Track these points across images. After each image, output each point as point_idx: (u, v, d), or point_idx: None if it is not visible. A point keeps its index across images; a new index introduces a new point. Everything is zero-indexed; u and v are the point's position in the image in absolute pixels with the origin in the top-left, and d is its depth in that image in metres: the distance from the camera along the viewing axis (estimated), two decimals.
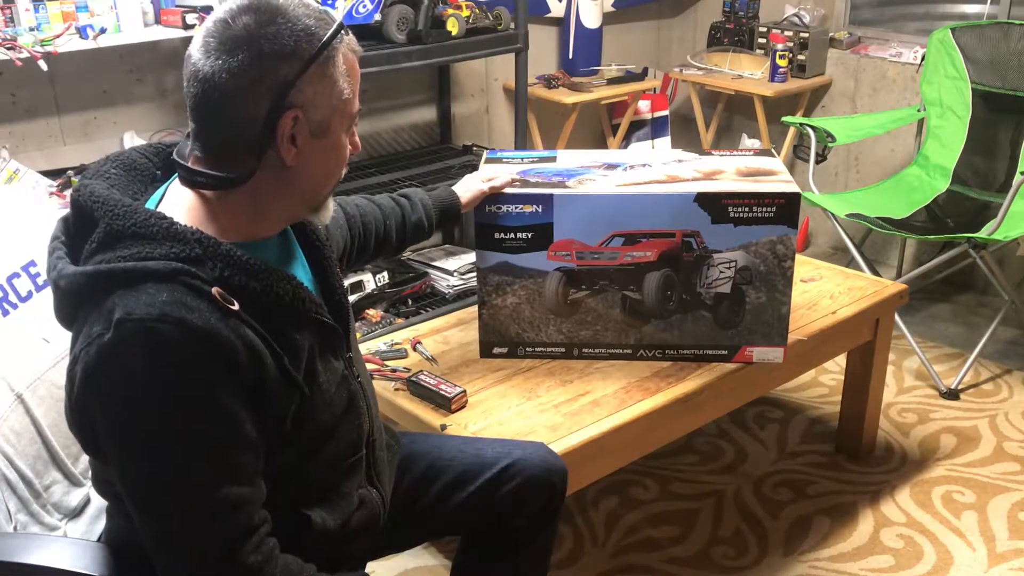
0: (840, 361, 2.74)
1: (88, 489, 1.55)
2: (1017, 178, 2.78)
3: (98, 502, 1.55)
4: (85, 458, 1.56)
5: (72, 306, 1.15)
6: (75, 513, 1.52)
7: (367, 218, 1.69)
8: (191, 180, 1.18)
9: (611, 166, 1.97)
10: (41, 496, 1.47)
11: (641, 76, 3.85)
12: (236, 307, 1.11)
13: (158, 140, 1.34)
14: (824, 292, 2.33)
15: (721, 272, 1.89)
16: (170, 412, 1.08)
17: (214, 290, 1.10)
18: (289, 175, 1.18)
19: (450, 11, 2.89)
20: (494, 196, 1.85)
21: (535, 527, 1.56)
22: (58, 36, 2.34)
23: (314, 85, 1.14)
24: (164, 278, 1.09)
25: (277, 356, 1.16)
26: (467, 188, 1.84)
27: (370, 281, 2.90)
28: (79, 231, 1.18)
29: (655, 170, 1.94)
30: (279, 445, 1.20)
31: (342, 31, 1.16)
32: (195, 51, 1.15)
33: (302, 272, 1.33)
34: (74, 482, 1.53)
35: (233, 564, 1.12)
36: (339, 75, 1.17)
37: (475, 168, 2.04)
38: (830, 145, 3.21)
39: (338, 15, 1.18)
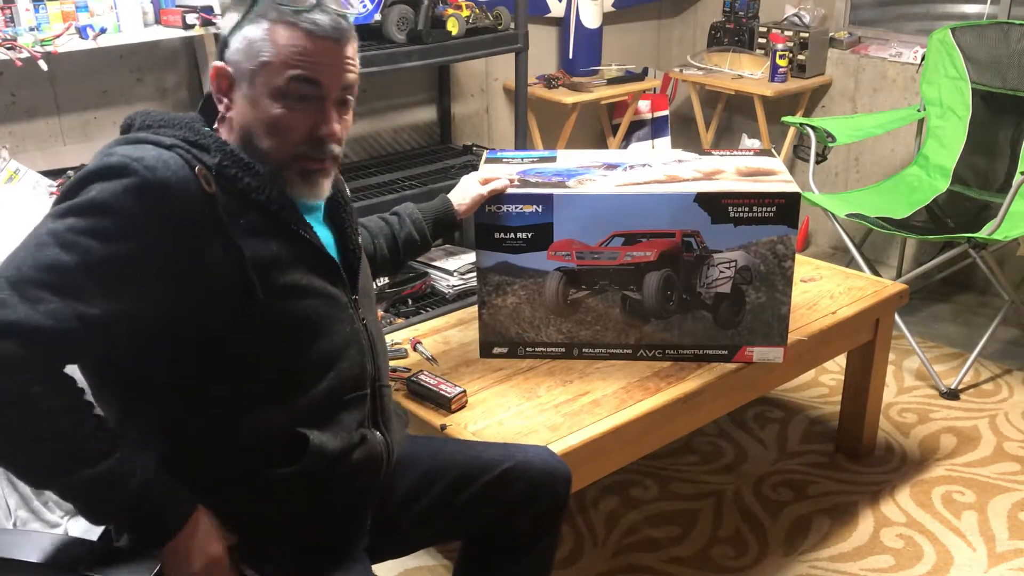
0: (840, 361, 2.75)
1: None
2: (1017, 178, 2.78)
3: None
4: None
5: None
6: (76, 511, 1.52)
7: None
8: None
9: (611, 166, 1.97)
10: (43, 493, 1.47)
11: (641, 76, 3.86)
12: (212, 190, 1.21)
13: None
14: (824, 292, 2.33)
15: (721, 272, 1.89)
16: (95, 206, 1.15)
17: (197, 168, 1.21)
18: (231, 127, 1.31)
19: (450, 11, 2.89)
20: (494, 196, 1.85)
21: (537, 532, 1.55)
22: (58, 36, 2.34)
23: (236, 43, 1.28)
24: (164, 147, 1.21)
25: (236, 250, 1.22)
26: (464, 195, 1.84)
27: None
28: None
29: (655, 170, 1.94)
30: (242, 345, 1.25)
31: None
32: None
33: (321, 228, 1.40)
34: None
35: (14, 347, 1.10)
36: (259, 37, 1.26)
37: (475, 168, 2.04)
38: (830, 145, 3.21)
39: None
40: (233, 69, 1.28)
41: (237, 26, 1.27)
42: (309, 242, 1.32)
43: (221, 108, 1.30)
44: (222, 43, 1.29)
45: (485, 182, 1.85)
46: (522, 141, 3.22)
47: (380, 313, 2.88)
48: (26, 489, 1.45)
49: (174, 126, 1.27)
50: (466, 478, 1.53)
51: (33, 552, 1.19)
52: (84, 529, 1.50)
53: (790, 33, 3.75)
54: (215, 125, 1.34)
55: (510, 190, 1.85)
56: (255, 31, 1.26)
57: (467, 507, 1.53)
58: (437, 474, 1.54)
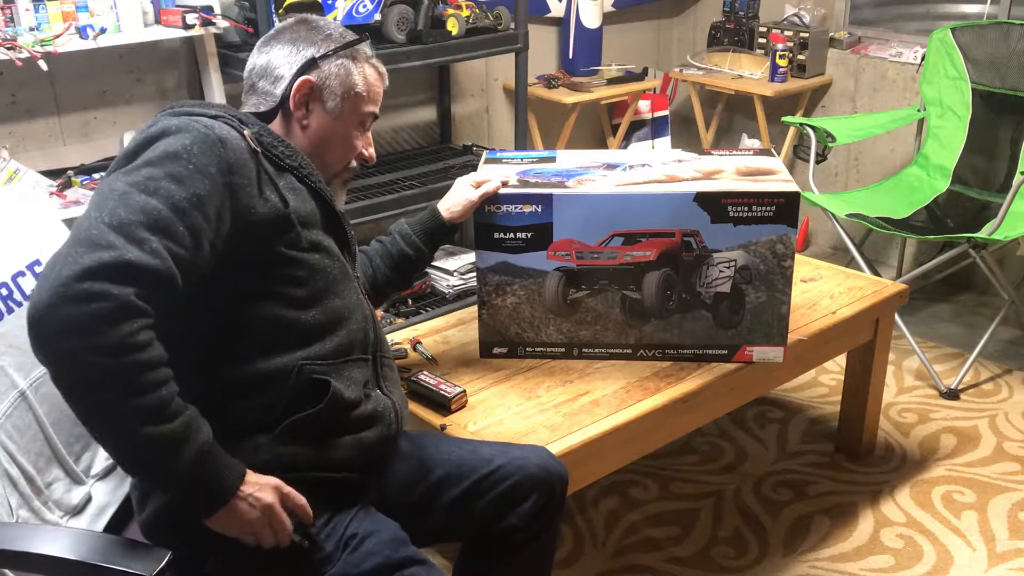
0: (840, 361, 2.75)
1: (89, 487, 1.55)
2: (1017, 178, 2.78)
3: (99, 500, 1.55)
4: (87, 456, 1.56)
5: None
6: (76, 511, 1.52)
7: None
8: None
9: (611, 166, 1.97)
10: (43, 493, 1.47)
11: (641, 76, 3.85)
12: (259, 150, 1.37)
13: None
14: (824, 292, 2.33)
15: (721, 272, 1.89)
16: (167, 155, 1.27)
17: (245, 132, 1.36)
18: (302, 136, 1.48)
19: (450, 11, 2.89)
20: (493, 196, 1.85)
21: (534, 530, 1.56)
22: (58, 36, 2.35)
23: (331, 68, 1.47)
24: (210, 116, 1.35)
25: (283, 201, 1.36)
26: (455, 201, 1.85)
27: None
28: None
29: (655, 170, 1.94)
30: (281, 282, 1.37)
31: (366, 43, 1.52)
32: (256, 46, 1.51)
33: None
34: (75, 480, 1.53)
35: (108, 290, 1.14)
36: (355, 71, 1.49)
37: (475, 168, 2.04)
38: (830, 145, 3.22)
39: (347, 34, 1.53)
40: (322, 87, 1.47)
41: (333, 53, 1.47)
42: (333, 208, 1.48)
43: (298, 115, 1.47)
44: (309, 62, 1.46)
45: (478, 185, 1.85)
46: (522, 141, 3.22)
47: (380, 313, 2.89)
48: (27, 489, 1.45)
49: (212, 107, 1.40)
50: (461, 472, 1.56)
51: (46, 545, 1.20)
52: (84, 527, 1.51)
53: (790, 33, 3.75)
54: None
55: (510, 190, 1.85)
56: (351, 65, 1.49)
57: (462, 501, 1.54)
58: (434, 464, 1.57)
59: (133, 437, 1.17)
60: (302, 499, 1.33)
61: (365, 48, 1.53)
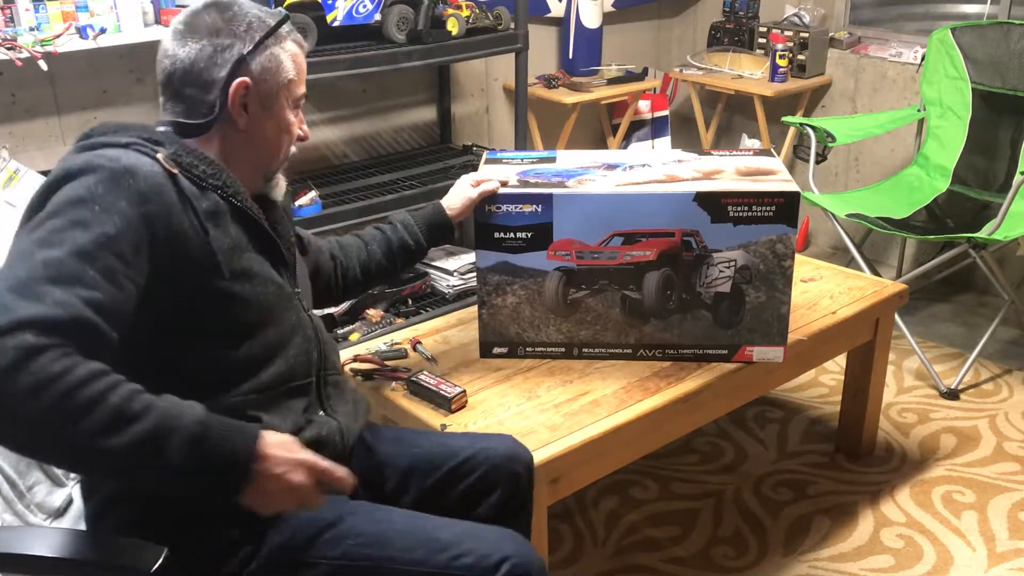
0: (840, 361, 2.75)
1: (70, 489, 1.55)
2: (1017, 178, 2.78)
3: (80, 502, 1.55)
4: None
5: None
6: (59, 513, 1.52)
7: (349, 249, 1.81)
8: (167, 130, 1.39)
9: (611, 166, 1.97)
10: (25, 496, 1.47)
11: (641, 76, 3.85)
12: (176, 172, 1.30)
13: None
14: (824, 292, 2.33)
15: (721, 271, 1.89)
16: (70, 202, 1.20)
17: (159, 155, 1.30)
18: (243, 138, 1.41)
19: (450, 11, 2.89)
20: (493, 196, 1.85)
21: (503, 520, 1.54)
22: (58, 36, 2.34)
23: (262, 62, 1.39)
24: (121, 146, 1.29)
25: (203, 230, 1.30)
26: (455, 198, 1.86)
27: None
28: None
29: (655, 170, 1.94)
30: (207, 324, 1.31)
31: (288, 21, 1.43)
32: (166, 40, 1.40)
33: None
34: (56, 482, 1.53)
35: (24, 344, 1.08)
36: (285, 57, 1.41)
37: (475, 168, 2.04)
38: (830, 145, 3.21)
39: (279, 9, 1.47)
40: (258, 85, 1.39)
41: (261, 45, 1.38)
42: (262, 228, 1.41)
43: (239, 119, 1.39)
44: (239, 60, 1.37)
45: (476, 184, 1.86)
46: (522, 141, 3.22)
47: (380, 313, 2.89)
48: (10, 493, 1.45)
49: (129, 130, 1.34)
50: (432, 463, 1.56)
51: (43, 546, 1.20)
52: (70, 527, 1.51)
53: (790, 33, 3.75)
54: (198, 136, 1.40)
55: (510, 190, 1.86)
56: (280, 52, 1.41)
57: (431, 495, 1.55)
58: (402, 458, 1.57)
59: (103, 456, 1.10)
60: (341, 470, 1.24)
61: (291, 31, 1.44)
